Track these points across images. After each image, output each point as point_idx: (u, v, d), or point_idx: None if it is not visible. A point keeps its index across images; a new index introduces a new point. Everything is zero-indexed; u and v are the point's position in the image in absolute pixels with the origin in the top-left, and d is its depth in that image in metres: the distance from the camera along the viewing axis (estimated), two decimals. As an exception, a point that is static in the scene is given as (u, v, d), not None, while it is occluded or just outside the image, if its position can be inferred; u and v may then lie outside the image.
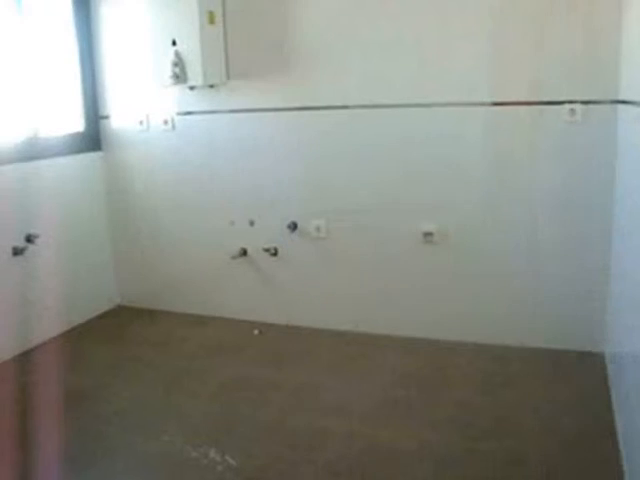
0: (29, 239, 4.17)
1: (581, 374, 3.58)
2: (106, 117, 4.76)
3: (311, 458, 2.92)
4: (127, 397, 3.55)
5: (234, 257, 4.50)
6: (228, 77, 4.31)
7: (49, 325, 4.34)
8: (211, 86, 4.31)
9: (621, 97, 3.43)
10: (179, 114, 4.52)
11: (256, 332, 4.37)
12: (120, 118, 4.72)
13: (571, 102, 3.63)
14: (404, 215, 4.08)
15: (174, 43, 4.08)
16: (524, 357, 3.83)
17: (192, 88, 4.31)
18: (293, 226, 4.35)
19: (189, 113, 4.49)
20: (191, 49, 4.06)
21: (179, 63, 4.07)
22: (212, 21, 4.13)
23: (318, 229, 4.30)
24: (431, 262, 4.08)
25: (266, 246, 4.44)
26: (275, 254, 4.44)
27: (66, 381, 3.70)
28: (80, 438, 3.12)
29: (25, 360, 4.03)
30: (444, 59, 3.84)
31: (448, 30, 3.80)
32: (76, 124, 4.67)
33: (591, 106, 3.60)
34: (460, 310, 4.05)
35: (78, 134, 4.67)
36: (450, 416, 3.22)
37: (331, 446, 3.00)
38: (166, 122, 4.55)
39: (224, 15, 4.24)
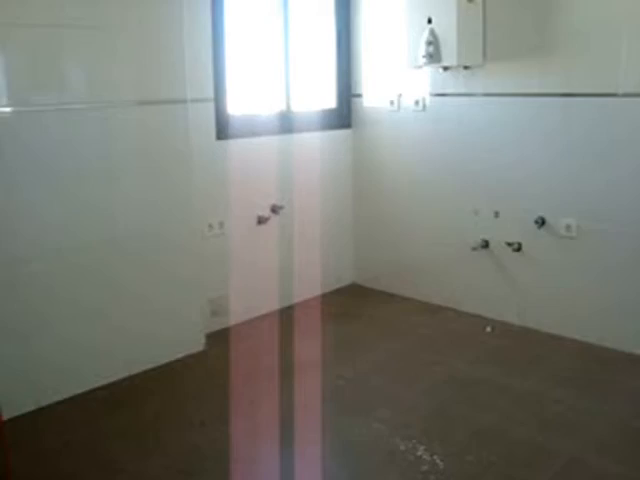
0: (274, 209, 4.32)
1: None
2: (358, 95, 4.77)
3: (526, 478, 2.68)
4: (346, 375, 3.55)
5: (474, 248, 4.29)
6: (485, 59, 4.08)
7: (286, 294, 4.48)
8: (466, 67, 4.11)
9: None
10: (431, 95, 4.39)
11: (489, 329, 4.14)
12: (371, 97, 4.71)
13: None
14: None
15: (429, 21, 3.93)
16: None
17: (446, 69, 4.15)
18: (541, 222, 4.03)
19: (441, 95, 4.34)
20: (447, 28, 3.88)
21: (434, 42, 3.92)
22: (471, -1, 3.93)
23: (568, 228, 3.93)
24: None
25: (509, 240, 4.17)
26: (518, 249, 4.15)
27: (295, 350, 3.82)
28: (292, 412, 3.15)
29: (257, 325, 4.23)
30: None
31: None
32: (329, 101, 4.75)
33: None
34: None
35: (330, 111, 4.74)
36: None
37: (551, 468, 2.71)
38: (417, 103, 4.44)
39: (484, -7, 4.03)
